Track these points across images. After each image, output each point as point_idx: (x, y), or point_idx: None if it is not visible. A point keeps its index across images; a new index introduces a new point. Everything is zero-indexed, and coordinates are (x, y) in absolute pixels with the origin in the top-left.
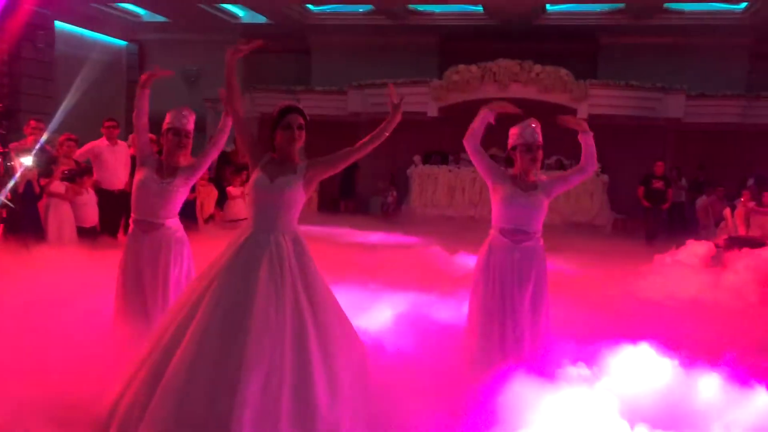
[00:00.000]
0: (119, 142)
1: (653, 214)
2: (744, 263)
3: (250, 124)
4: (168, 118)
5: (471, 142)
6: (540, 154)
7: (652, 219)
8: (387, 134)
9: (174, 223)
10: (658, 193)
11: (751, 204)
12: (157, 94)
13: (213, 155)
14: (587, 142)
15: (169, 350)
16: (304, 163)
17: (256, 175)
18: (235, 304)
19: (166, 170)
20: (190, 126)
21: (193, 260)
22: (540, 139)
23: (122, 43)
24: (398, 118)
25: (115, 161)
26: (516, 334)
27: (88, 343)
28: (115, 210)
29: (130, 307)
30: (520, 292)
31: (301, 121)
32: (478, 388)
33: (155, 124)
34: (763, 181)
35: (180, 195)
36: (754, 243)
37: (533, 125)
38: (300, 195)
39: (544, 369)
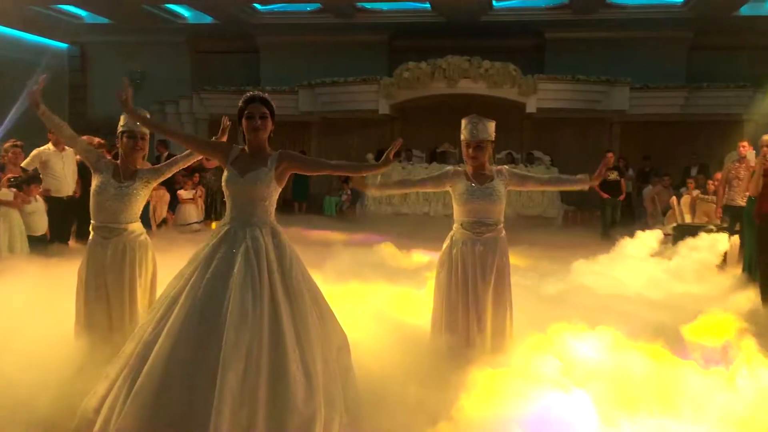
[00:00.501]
0: (66, 148)
1: (612, 206)
2: (690, 249)
3: (194, 139)
4: (122, 121)
5: (386, 189)
6: (483, 149)
7: (610, 210)
8: (364, 174)
9: (137, 227)
10: (614, 184)
11: (696, 192)
12: (104, 97)
13: (181, 166)
14: (574, 183)
15: (149, 346)
16: (276, 154)
17: (227, 171)
18: (212, 297)
19: (124, 174)
20: (145, 128)
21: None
22: (481, 135)
23: (64, 45)
24: (385, 168)
25: (63, 167)
26: (480, 326)
27: (50, 353)
28: (64, 217)
29: (94, 315)
30: (483, 283)
31: (264, 110)
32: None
33: (107, 127)
34: (707, 170)
35: (140, 198)
36: (701, 230)
37: (474, 121)
38: (273, 187)
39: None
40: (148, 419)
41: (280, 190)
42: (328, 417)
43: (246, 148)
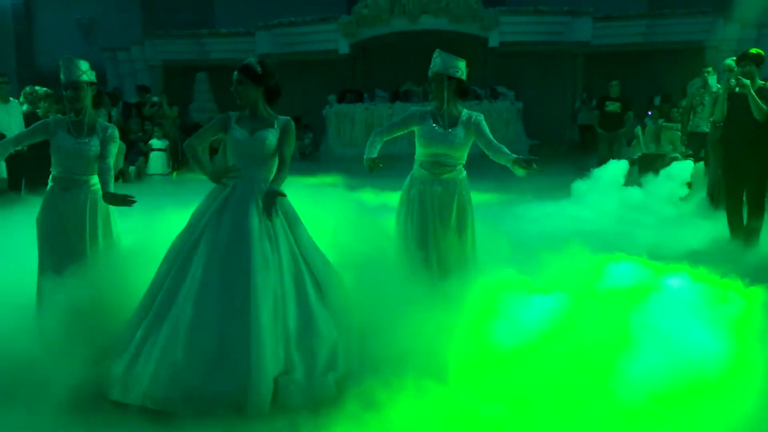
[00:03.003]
0: (12, 99)
1: (608, 140)
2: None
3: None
4: (62, 72)
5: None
6: (439, 83)
7: (607, 146)
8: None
9: (96, 180)
10: (614, 117)
11: (661, 121)
12: (51, 47)
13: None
14: (508, 161)
15: (171, 295)
16: (284, 120)
17: (233, 131)
18: (232, 245)
19: (77, 128)
20: (81, 74)
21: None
22: (439, 68)
23: None
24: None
25: (8, 120)
26: (441, 266)
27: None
28: (14, 169)
29: (56, 260)
30: (442, 223)
31: (240, 77)
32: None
33: (54, 75)
34: (669, 99)
35: (97, 155)
36: (665, 158)
37: (435, 55)
38: (276, 146)
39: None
40: (183, 360)
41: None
42: (347, 344)
43: (246, 112)
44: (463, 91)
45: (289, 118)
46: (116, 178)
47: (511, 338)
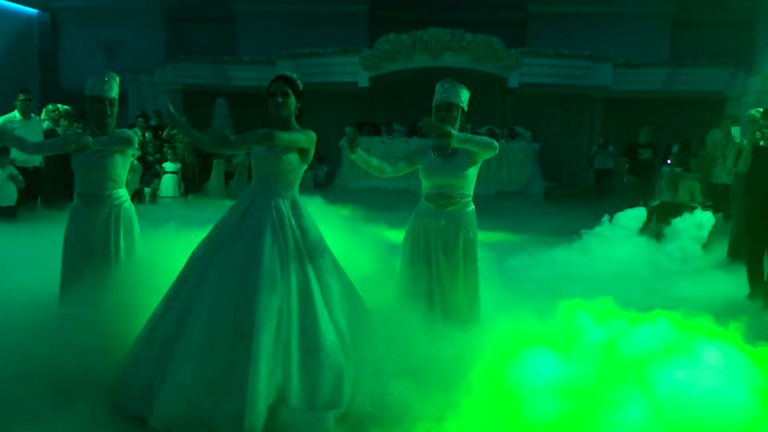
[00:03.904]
0: (33, 116)
1: (639, 187)
2: (676, 228)
3: (227, 140)
4: (89, 83)
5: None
6: (450, 113)
7: (638, 193)
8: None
9: (121, 193)
10: (646, 164)
11: (679, 170)
12: (74, 66)
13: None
14: (463, 141)
15: (184, 310)
16: (307, 132)
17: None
18: (244, 264)
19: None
20: (114, 93)
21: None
22: (451, 98)
23: (33, 11)
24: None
25: (29, 137)
26: (445, 305)
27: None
28: (31, 188)
29: (79, 276)
30: (446, 257)
31: (286, 89)
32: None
33: (78, 93)
34: (688, 147)
35: (120, 165)
36: (684, 207)
37: (446, 84)
38: (296, 161)
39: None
40: (193, 378)
41: (305, 165)
42: (358, 376)
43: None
44: (466, 121)
45: (312, 131)
46: (132, 199)
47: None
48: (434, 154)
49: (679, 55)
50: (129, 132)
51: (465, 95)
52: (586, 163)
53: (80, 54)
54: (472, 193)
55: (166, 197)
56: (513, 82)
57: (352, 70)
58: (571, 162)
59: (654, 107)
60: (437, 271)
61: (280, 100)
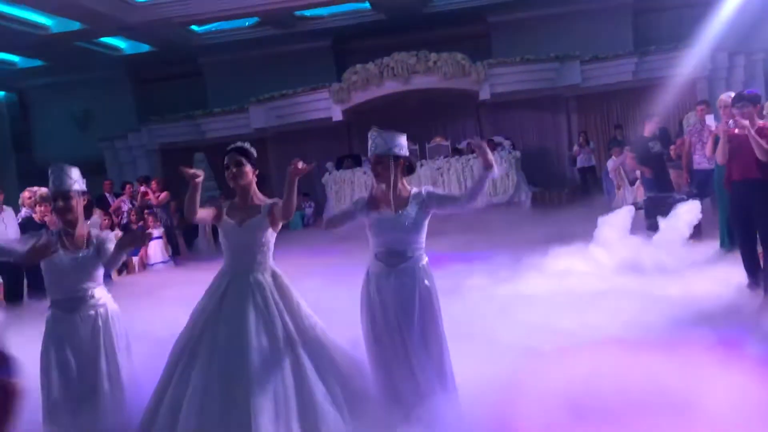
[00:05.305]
0: (5, 207)
1: (659, 183)
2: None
3: (204, 211)
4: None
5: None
6: (385, 165)
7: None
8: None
9: (101, 292)
10: (658, 157)
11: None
12: (48, 141)
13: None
14: (483, 179)
15: (175, 405)
16: (269, 203)
17: (223, 222)
18: (231, 351)
19: (72, 242)
20: (73, 183)
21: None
22: (380, 149)
23: (1, 93)
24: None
25: (4, 229)
26: (412, 368)
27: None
28: (12, 280)
29: (63, 399)
30: (405, 317)
31: (239, 158)
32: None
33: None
34: (667, 133)
35: (98, 266)
36: (673, 199)
37: (373, 134)
38: (269, 234)
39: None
40: None
41: (275, 234)
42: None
43: (237, 199)
44: (410, 168)
45: (277, 200)
46: (119, 271)
47: None
48: (380, 208)
49: (645, 42)
50: (105, 235)
51: (397, 140)
52: (569, 162)
53: (53, 129)
54: (422, 247)
55: (156, 263)
56: (484, 94)
57: (325, 105)
58: (554, 164)
59: (627, 98)
60: (399, 333)
61: (234, 170)
